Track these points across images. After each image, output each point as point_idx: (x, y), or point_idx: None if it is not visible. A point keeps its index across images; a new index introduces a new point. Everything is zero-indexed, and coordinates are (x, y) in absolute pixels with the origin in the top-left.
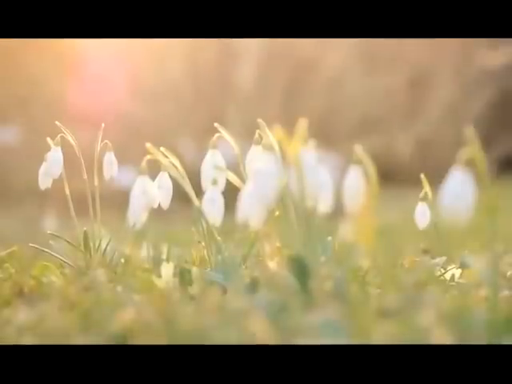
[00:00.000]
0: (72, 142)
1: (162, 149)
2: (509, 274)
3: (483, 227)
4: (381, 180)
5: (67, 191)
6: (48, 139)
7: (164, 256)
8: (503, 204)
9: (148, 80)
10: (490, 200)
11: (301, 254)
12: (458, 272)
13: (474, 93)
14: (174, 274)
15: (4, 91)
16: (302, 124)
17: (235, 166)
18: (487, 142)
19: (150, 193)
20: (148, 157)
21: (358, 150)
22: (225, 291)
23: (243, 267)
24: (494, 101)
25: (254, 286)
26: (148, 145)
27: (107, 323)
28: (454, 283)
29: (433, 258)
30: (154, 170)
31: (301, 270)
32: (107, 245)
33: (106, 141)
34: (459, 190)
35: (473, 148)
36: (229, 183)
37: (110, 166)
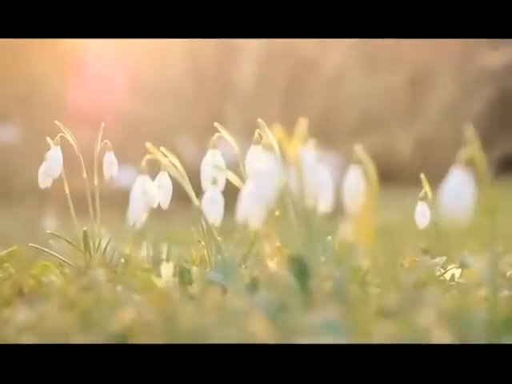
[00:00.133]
0: (72, 141)
1: (161, 148)
2: (508, 273)
3: (483, 227)
4: (381, 180)
5: (67, 191)
6: (48, 139)
7: (164, 256)
8: (503, 204)
9: (148, 79)
10: (489, 200)
11: (301, 254)
12: (457, 272)
13: (474, 92)
14: (174, 274)
15: (4, 90)
16: (302, 124)
17: (235, 166)
18: (487, 141)
19: (150, 192)
20: (148, 156)
21: (358, 149)
22: (225, 291)
23: (243, 267)
24: (493, 100)
25: (253, 286)
26: (148, 144)
27: (107, 323)
28: (453, 283)
29: (433, 257)
30: (153, 169)
31: (301, 269)
32: (107, 244)
33: (105, 140)
34: (459, 189)
35: (473, 148)
36: (229, 183)
37: (110, 165)
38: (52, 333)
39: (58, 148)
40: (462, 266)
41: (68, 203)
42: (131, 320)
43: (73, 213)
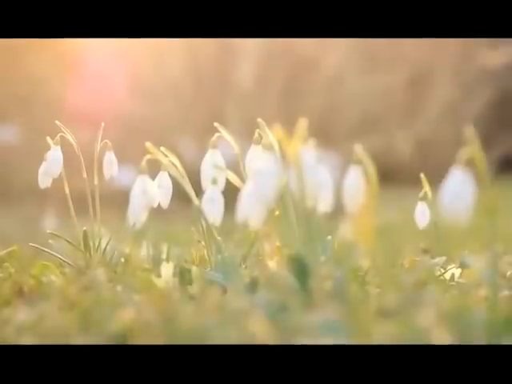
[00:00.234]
0: (72, 141)
1: (161, 148)
2: (508, 273)
3: (483, 227)
4: (381, 180)
5: (67, 190)
6: (48, 138)
7: (164, 255)
8: (503, 204)
9: (148, 79)
10: (489, 200)
11: (301, 254)
12: (457, 272)
13: (474, 92)
14: (174, 274)
15: (4, 90)
16: (302, 123)
17: (235, 166)
18: (487, 141)
19: (150, 192)
20: (148, 156)
21: (358, 149)
22: (225, 291)
23: (243, 267)
24: (493, 100)
25: (253, 286)
26: (148, 144)
27: (107, 323)
28: (453, 283)
29: (432, 257)
30: (153, 169)
31: (300, 269)
32: (107, 244)
33: (105, 140)
34: (459, 189)
35: (473, 148)
36: (229, 183)
37: (110, 165)
38: (52, 333)
39: (58, 148)
40: (462, 265)
41: (68, 203)
42: (131, 320)
43: (73, 212)
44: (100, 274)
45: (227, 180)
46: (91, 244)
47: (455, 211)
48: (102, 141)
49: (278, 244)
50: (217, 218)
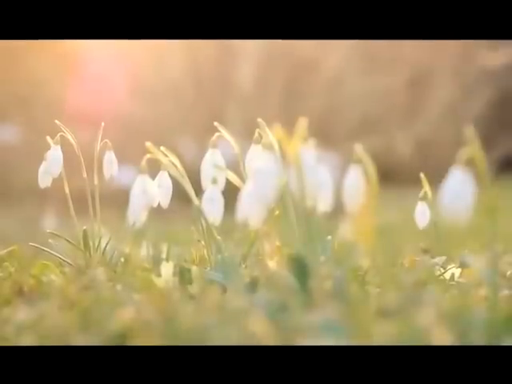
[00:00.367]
0: (72, 140)
1: (161, 148)
2: (508, 273)
3: (483, 227)
4: (381, 179)
5: (67, 190)
6: (48, 138)
7: (164, 255)
8: (503, 204)
9: (148, 80)
10: (489, 200)
11: (300, 254)
12: (457, 271)
13: (474, 93)
14: (174, 273)
15: (4, 91)
16: (302, 123)
17: (235, 165)
18: (487, 142)
19: (150, 192)
20: (148, 156)
21: (358, 149)
22: (224, 290)
23: (243, 266)
24: (493, 101)
25: (253, 286)
26: (148, 144)
27: (107, 322)
28: (453, 283)
29: (432, 257)
30: (153, 169)
31: (300, 269)
32: (107, 244)
33: (105, 140)
34: (459, 189)
35: (473, 148)
36: (228, 182)
37: (110, 164)
38: (52, 332)
39: (58, 147)
40: (462, 265)
41: (68, 202)
42: (131, 319)
43: (73, 212)
44: (100, 273)
45: (227, 180)
46: (91, 243)
47: (455, 211)
48: (102, 140)
49: (277, 244)
50: (217, 217)
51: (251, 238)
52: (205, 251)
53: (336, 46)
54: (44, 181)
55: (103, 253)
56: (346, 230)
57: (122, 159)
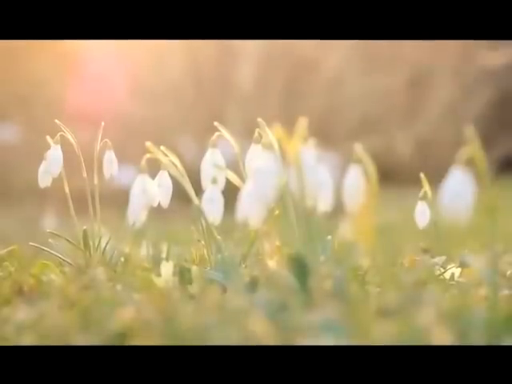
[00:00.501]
0: (72, 140)
1: (161, 147)
2: (508, 273)
3: (483, 226)
4: (381, 179)
5: (67, 190)
6: (48, 137)
7: (164, 255)
8: (503, 204)
9: (148, 80)
10: (489, 199)
11: (300, 253)
12: (457, 271)
13: (474, 93)
14: (174, 273)
15: (4, 90)
16: (302, 123)
17: (235, 165)
18: (487, 142)
19: (150, 191)
20: (148, 155)
21: (358, 149)
22: (224, 290)
23: (243, 266)
24: (493, 101)
25: (253, 285)
26: (148, 143)
27: (107, 322)
28: (453, 282)
29: (432, 257)
30: (153, 168)
31: (300, 269)
32: (107, 243)
33: (105, 139)
34: (459, 189)
35: (473, 147)
36: (228, 182)
37: (110, 164)
38: (52, 332)
39: (58, 147)
40: (462, 265)
41: (68, 202)
42: (131, 319)
43: (73, 212)
44: (100, 273)
45: (227, 179)
46: (91, 243)
47: (455, 211)
48: (102, 140)
49: (277, 243)
50: (216, 217)
51: (251, 237)
52: (205, 251)
53: (336, 46)
54: (44, 180)
55: (103, 252)
56: (346, 230)
57: (122, 159)
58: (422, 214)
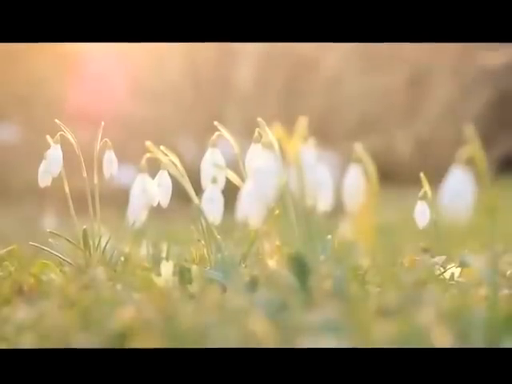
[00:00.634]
0: (72, 140)
1: (161, 147)
2: (508, 272)
3: (483, 226)
4: (380, 179)
5: (67, 189)
6: (48, 137)
7: (164, 254)
8: (503, 203)
9: (148, 81)
10: (489, 199)
11: (300, 253)
12: (457, 271)
13: (473, 92)
14: (174, 273)
15: (4, 90)
16: (302, 122)
17: (235, 165)
18: (487, 141)
19: (150, 191)
20: (148, 155)
21: (358, 148)
22: (224, 290)
23: (243, 266)
24: (493, 100)
25: (253, 285)
26: (148, 143)
27: (107, 321)
28: (453, 282)
29: (432, 256)
30: (153, 168)
31: (300, 268)
32: (107, 243)
33: (105, 139)
34: (459, 188)
35: (473, 147)
36: (228, 182)
37: (110, 164)
38: (52, 331)
39: (58, 146)
40: (462, 265)
41: (68, 202)
42: (131, 318)
43: (72, 211)
44: (100, 272)
45: (227, 179)
46: (91, 243)
47: (455, 210)
48: (101, 140)
49: (277, 243)
50: (216, 216)
51: (251, 237)
52: (205, 250)
53: (335, 46)
54: (44, 180)
55: (103, 252)
56: (345, 230)
57: (122, 158)
58: (421, 214)
